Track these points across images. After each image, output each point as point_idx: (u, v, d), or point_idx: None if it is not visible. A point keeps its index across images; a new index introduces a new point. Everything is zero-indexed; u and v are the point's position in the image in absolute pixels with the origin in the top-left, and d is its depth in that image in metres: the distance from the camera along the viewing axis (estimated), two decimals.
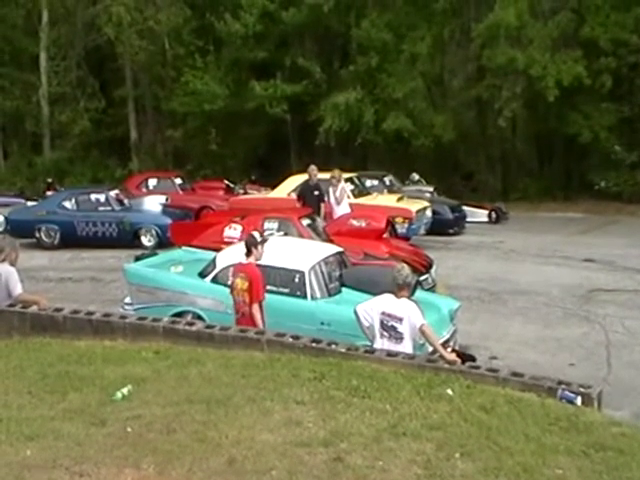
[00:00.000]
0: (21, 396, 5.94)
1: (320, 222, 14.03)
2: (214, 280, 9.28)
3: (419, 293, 8.76)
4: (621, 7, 24.11)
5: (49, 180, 23.99)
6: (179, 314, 8.96)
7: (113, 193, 18.34)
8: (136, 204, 18.46)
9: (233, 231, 13.15)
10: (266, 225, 13.00)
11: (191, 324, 7.57)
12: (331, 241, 11.91)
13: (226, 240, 12.55)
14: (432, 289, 11.58)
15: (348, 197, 16.15)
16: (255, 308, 7.64)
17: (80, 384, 6.14)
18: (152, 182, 21.51)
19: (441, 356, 6.70)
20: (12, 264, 7.73)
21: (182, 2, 27.78)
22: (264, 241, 8.07)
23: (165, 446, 5.00)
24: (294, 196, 16.42)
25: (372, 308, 7.07)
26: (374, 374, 6.27)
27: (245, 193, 21.46)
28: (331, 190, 15.81)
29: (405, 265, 7.39)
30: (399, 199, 18.07)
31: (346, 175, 16.84)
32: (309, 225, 13.27)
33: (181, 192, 20.93)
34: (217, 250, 10.24)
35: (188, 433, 5.19)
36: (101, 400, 5.81)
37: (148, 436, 5.17)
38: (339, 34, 28.18)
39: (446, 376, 6.27)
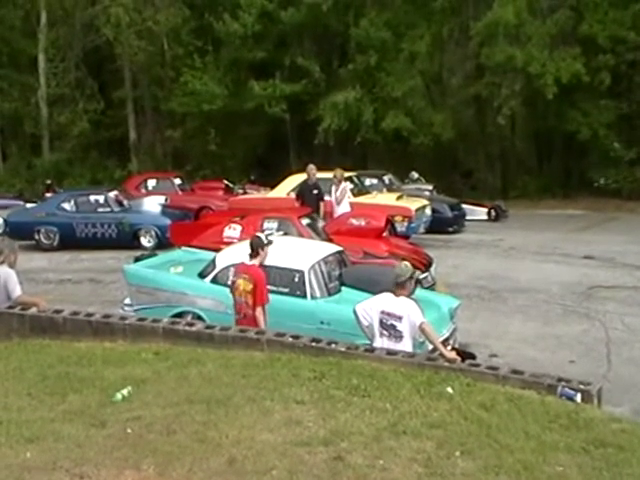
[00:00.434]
0: (21, 398, 5.93)
1: (320, 221, 14.03)
2: (214, 280, 9.27)
3: (419, 291, 8.75)
4: (619, 4, 24.15)
5: (48, 182, 24.00)
6: (179, 315, 8.95)
7: (112, 194, 18.34)
8: (135, 205, 18.45)
9: (233, 231, 13.16)
10: (266, 225, 13.01)
11: (191, 324, 7.56)
12: (331, 240, 11.91)
13: (226, 240, 12.55)
14: (432, 287, 11.57)
15: (348, 197, 16.15)
16: (259, 311, 7.59)
17: (80, 385, 6.14)
18: (151, 183, 21.53)
19: (441, 354, 6.70)
20: (11, 266, 7.72)
21: (181, 2, 27.83)
22: (270, 243, 8.04)
23: (165, 447, 4.99)
24: (293, 196, 16.42)
25: (371, 307, 7.07)
26: (374, 373, 6.27)
27: (244, 193, 21.47)
28: (333, 189, 15.83)
29: (407, 263, 7.39)
30: (398, 198, 18.08)
31: (346, 174, 16.85)
32: (309, 224, 13.27)
33: (180, 192, 20.95)
34: (217, 250, 10.24)
35: (188, 434, 5.19)
36: (101, 401, 5.80)
37: (148, 437, 5.16)
38: (338, 33, 28.20)
39: (446, 374, 6.27)
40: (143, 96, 30.35)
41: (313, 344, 6.90)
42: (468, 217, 20.81)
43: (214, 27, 27.11)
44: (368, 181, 19.64)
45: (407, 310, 6.86)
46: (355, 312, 7.19)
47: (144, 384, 6.13)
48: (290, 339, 7.00)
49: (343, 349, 6.81)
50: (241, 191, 22.01)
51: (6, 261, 7.69)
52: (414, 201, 17.93)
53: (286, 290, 8.87)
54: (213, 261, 9.56)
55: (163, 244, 16.24)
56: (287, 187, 17.62)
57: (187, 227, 15.85)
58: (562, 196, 25.85)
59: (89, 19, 27.97)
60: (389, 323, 6.90)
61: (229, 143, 28.80)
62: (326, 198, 15.73)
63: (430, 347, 7.21)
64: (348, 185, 16.45)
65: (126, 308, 9.79)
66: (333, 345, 6.91)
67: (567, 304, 12.20)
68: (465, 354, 7.39)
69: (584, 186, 25.82)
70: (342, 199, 15.67)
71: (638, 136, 25.13)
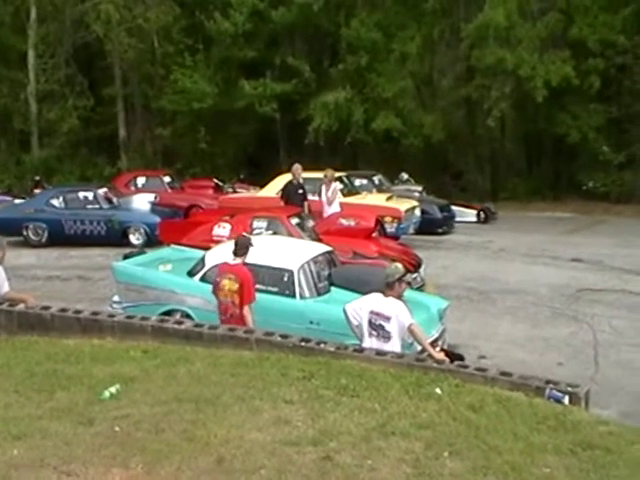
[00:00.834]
0: (8, 395, 5.90)
1: (310, 221, 14.00)
2: (203, 279, 9.24)
3: (408, 292, 8.75)
4: (609, 8, 24.26)
5: (37, 178, 23.92)
6: (168, 313, 8.93)
7: (102, 191, 18.25)
8: (125, 202, 18.37)
9: (222, 230, 13.14)
10: (255, 224, 13.00)
11: (180, 323, 7.55)
12: (320, 240, 11.91)
13: (215, 239, 12.54)
14: (421, 288, 11.59)
15: (338, 197, 16.14)
16: (246, 310, 7.62)
17: (68, 383, 6.11)
18: (141, 180, 21.47)
19: (430, 355, 6.71)
20: None
21: (171, 0, 27.68)
22: (251, 244, 8.08)
23: (153, 445, 4.98)
24: None
25: (361, 307, 7.08)
26: (363, 373, 6.27)
27: (234, 192, 21.43)
28: (323, 189, 15.83)
29: (399, 264, 7.40)
30: (388, 198, 18.10)
31: (335, 174, 16.84)
32: (298, 224, 13.26)
33: (170, 190, 20.90)
34: (206, 249, 10.22)
35: (177, 432, 5.18)
36: (89, 399, 5.78)
37: (136, 435, 5.15)
38: (329, 33, 28.19)
39: (435, 375, 6.28)
40: (133, 93, 30.23)
41: (302, 344, 6.90)
42: (457, 218, 20.86)
43: (205, 25, 27.06)
44: (358, 181, 19.63)
45: (396, 311, 6.87)
46: (345, 312, 7.19)
47: (132, 382, 6.11)
48: (279, 338, 7.00)
49: (332, 349, 6.82)
50: (231, 190, 21.98)
51: None
52: (404, 202, 17.95)
53: (275, 290, 8.87)
54: (202, 259, 9.54)
55: (152, 242, 16.16)
56: (277, 186, 17.55)
57: (176, 225, 15.82)
58: (551, 199, 25.94)
59: (79, 15, 27.76)
60: (378, 323, 6.91)
61: (219, 142, 28.75)
62: (310, 198, 15.74)
63: (419, 348, 7.22)
64: (338, 185, 16.45)
65: (115, 305, 9.75)
66: (322, 345, 6.91)
67: (555, 306, 12.25)
68: (454, 355, 7.39)
69: (573, 189, 25.92)
70: (334, 199, 15.67)
71: (627, 140, 25.26)
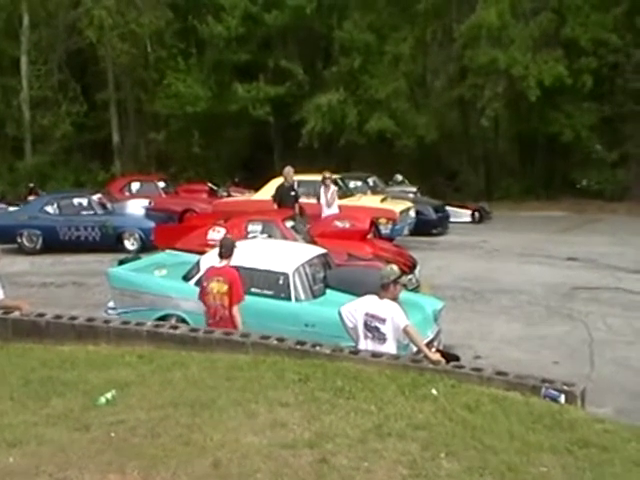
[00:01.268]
0: (3, 402, 5.89)
1: (305, 223, 14.00)
2: (198, 283, 9.23)
3: (403, 293, 8.75)
4: (601, 7, 24.33)
5: (31, 185, 23.88)
6: (163, 317, 8.92)
7: (96, 197, 18.24)
8: (119, 208, 18.36)
9: (217, 234, 13.09)
10: (250, 227, 12.99)
11: (175, 327, 7.55)
12: (315, 242, 11.91)
13: (210, 243, 12.48)
14: (416, 289, 11.59)
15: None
16: (235, 309, 7.67)
17: (63, 389, 6.10)
18: (135, 185, 21.42)
19: (425, 356, 6.71)
20: None
21: (164, 5, 27.71)
22: (235, 245, 8.12)
23: (150, 450, 4.98)
24: None
25: (356, 309, 7.08)
26: (359, 375, 6.28)
27: (229, 196, 21.41)
28: (322, 191, 15.85)
29: (395, 266, 7.40)
30: (383, 200, 18.11)
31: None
32: (293, 227, 13.25)
33: (164, 195, 20.88)
34: (201, 253, 10.19)
35: (173, 437, 5.18)
36: (85, 405, 5.77)
37: (132, 440, 5.15)
38: (322, 36, 28.25)
39: (430, 376, 6.29)
40: (126, 98, 30.21)
41: (298, 346, 6.90)
42: (452, 219, 20.87)
43: (198, 29, 27.09)
44: (352, 183, 19.65)
45: (391, 313, 6.87)
46: (340, 314, 7.19)
47: (128, 387, 6.11)
48: (275, 342, 7.00)
49: (328, 351, 6.82)
50: (225, 194, 21.96)
51: None
52: (398, 203, 17.97)
53: (270, 292, 8.86)
54: (197, 264, 9.52)
55: (147, 247, 16.16)
56: (271, 190, 17.55)
57: (171, 230, 15.78)
58: (545, 198, 25.98)
59: (72, 21, 27.78)
60: (373, 325, 6.91)
61: (213, 145, 28.75)
62: (305, 200, 15.75)
63: (414, 349, 7.22)
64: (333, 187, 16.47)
65: (110, 311, 9.73)
66: (318, 347, 6.91)
67: (550, 305, 12.27)
68: (449, 356, 7.39)
69: (567, 188, 26.00)
70: (333, 202, 15.71)
71: (620, 138, 25.34)
